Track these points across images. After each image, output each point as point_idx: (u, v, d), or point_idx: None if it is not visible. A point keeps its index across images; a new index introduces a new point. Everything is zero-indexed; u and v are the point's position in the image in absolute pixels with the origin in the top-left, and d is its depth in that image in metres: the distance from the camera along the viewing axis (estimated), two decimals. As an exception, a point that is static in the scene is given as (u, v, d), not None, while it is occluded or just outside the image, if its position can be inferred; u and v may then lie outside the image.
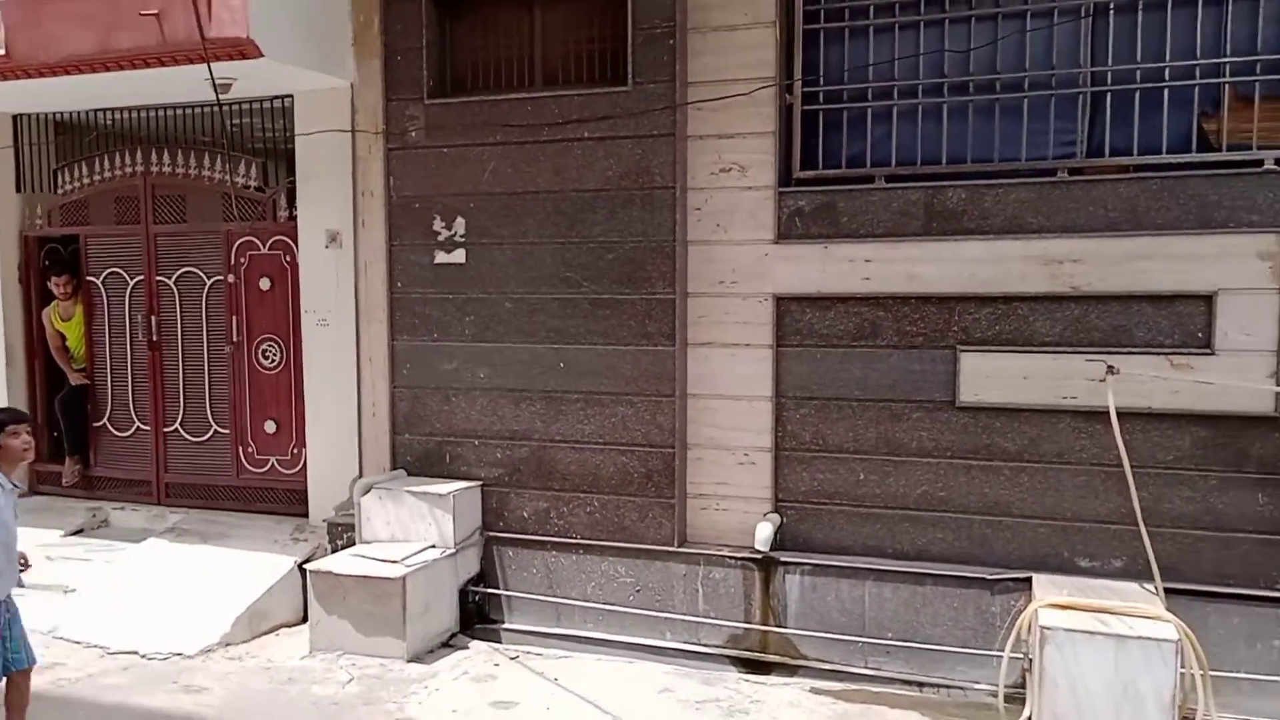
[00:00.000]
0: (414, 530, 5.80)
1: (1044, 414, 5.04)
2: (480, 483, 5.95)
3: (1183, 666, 4.22)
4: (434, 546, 5.73)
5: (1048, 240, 4.97)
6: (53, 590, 6.26)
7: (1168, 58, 4.90)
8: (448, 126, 5.88)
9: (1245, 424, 4.77)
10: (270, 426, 6.88)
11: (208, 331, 7.05)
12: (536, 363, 5.80)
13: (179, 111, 6.96)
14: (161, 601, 5.99)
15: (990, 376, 5.10)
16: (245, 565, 6.19)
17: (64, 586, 6.30)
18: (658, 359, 5.54)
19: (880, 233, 5.23)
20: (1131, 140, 4.97)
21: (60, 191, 7.44)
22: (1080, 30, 5.01)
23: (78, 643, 5.72)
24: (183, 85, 5.88)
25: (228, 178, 6.80)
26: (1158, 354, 4.84)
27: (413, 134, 5.97)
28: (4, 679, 4.05)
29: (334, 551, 6.05)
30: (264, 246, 6.79)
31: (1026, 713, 4.56)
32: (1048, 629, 4.33)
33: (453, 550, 5.73)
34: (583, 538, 5.75)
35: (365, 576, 5.44)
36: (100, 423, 7.46)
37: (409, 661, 5.39)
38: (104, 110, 7.15)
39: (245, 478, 7.00)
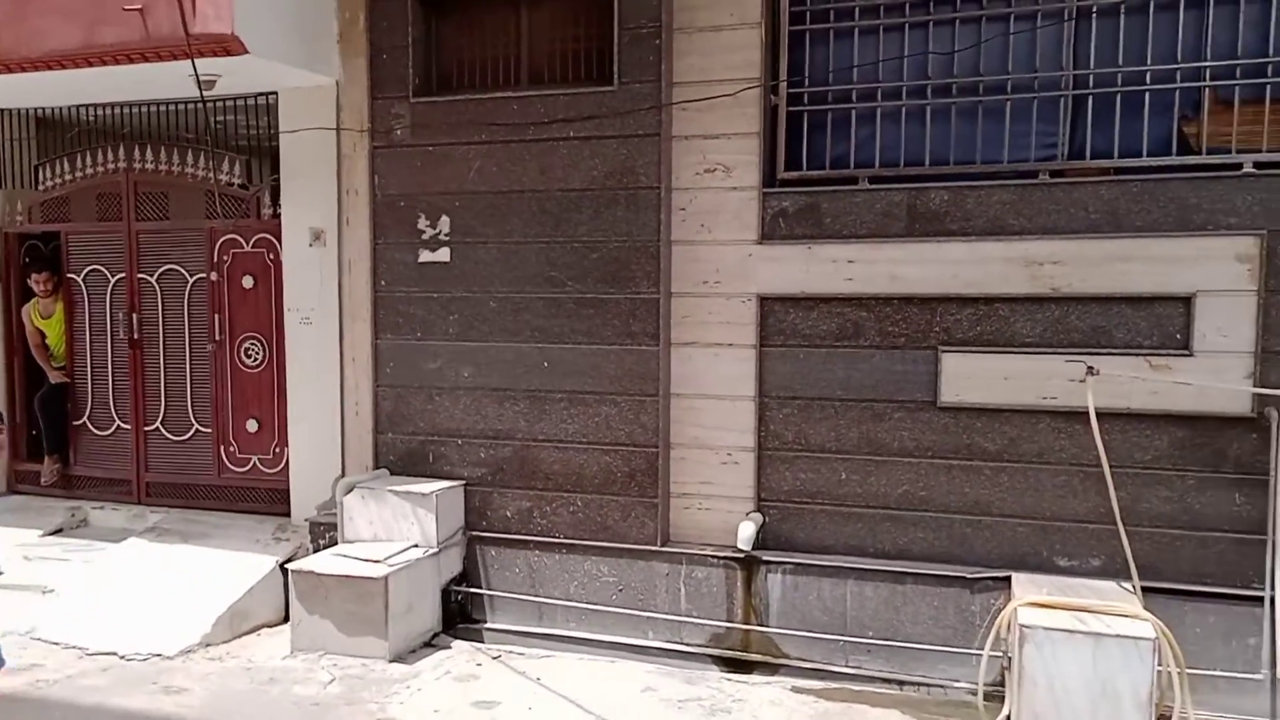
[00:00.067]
0: (396, 530, 5.79)
1: (1024, 414, 5.08)
2: (463, 482, 5.94)
3: (1160, 664, 4.26)
4: (417, 546, 5.72)
5: (1029, 242, 5.01)
6: (31, 591, 6.21)
7: (1149, 61, 4.95)
8: (433, 125, 5.88)
9: (1222, 424, 4.82)
10: (252, 425, 6.85)
11: (190, 330, 7.01)
12: (520, 362, 5.80)
13: (162, 108, 6.93)
14: (141, 602, 5.95)
15: (971, 377, 5.13)
16: (226, 565, 6.16)
17: (42, 587, 6.24)
18: (642, 358, 5.55)
19: (863, 234, 5.26)
20: (1112, 143, 5.01)
21: (41, 188, 7.39)
22: (1063, 33, 5.05)
23: (56, 643, 5.67)
24: (166, 81, 5.84)
25: (211, 175, 6.76)
26: (1137, 355, 4.88)
27: (398, 132, 5.96)
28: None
29: (316, 551, 6.03)
30: (247, 244, 6.76)
31: (1006, 710, 4.59)
32: (1027, 627, 4.36)
33: (435, 550, 5.72)
34: (566, 537, 5.75)
35: (347, 576, 5.42)
36: (80, 421, 7.40)
37: (391, 661, 5.38)
38: (87, 106, 7.12)
39: (227, 477, 6.96)
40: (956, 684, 5.08)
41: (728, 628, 5.48)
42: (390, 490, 5.79)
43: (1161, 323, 4.87)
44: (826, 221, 5.32)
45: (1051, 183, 5.02)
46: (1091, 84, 5.04)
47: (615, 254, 5.57)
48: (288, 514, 6.57)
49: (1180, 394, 4.79)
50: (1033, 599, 4.57)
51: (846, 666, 5.28)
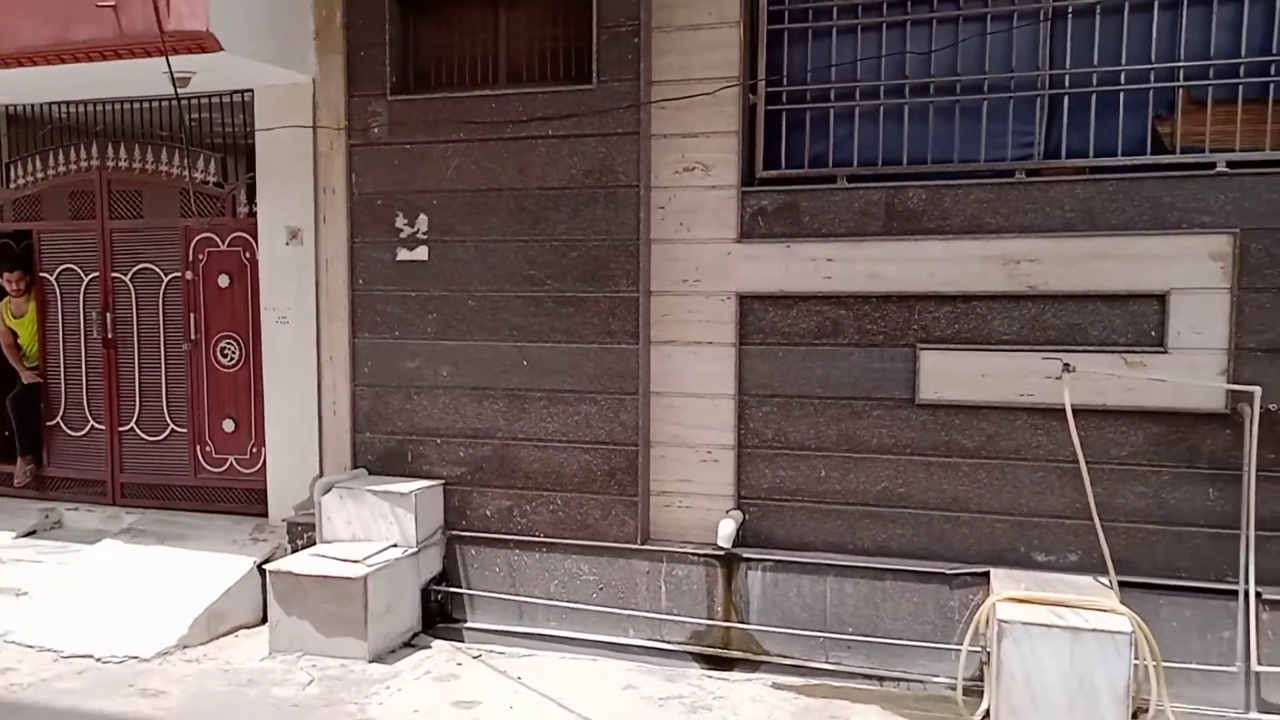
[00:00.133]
0: (375, 529, 5.76)
1: (1001, 411, 5.12)
2: (443, 481, 5.92)
3: (1136, 658, 4.31)
4: (396, 546, 5.69)
5: (1006, 240, 5.04)
6: (5, 593, 6.15)
7: (1124, 61, 5.00)
8: (411, 123, 5.85)
9: (1197, 420, 4.87)
10: (229, 425, 6.80)
11: (165, 329, 6.94)
12: (499, 361, 5.78)
13: (136, 105, 6.85)
14: (117, 604, 5.89)
15: (949, 374, 5.16)
16: (203, 566, 6.11)
17: (16, 589, 6.18)
18: (621, 357, 5.55)
19: (842, 232, 5.28)
20: (1088, 142, 5.05)
21: (13, 186, 7.29)
22: (1039, 34, 5.09)
23: (30, 646, 5.60)
24: (141, 78, 5.77)
25: (186, 173, 6.69)
26: (1112, 352, 4.92)
27: (375, 130, 5.93)
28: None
29: (294, 551, 5.99)
30: (223, 243, 6.71)
31: (984, 705, 4.63)
32: (1005, 622, 4.39)
33: (415, 549, 5.69)
34: (546, 536, 5.74)
35: (326, 576, 5.39)
36: (53, 422, 7.31)
37: (370, 662, 5.35)
38: (59, 103, 7.03)
39: (203, 477, 6.91)
40: (936, 679, 5.11)
41: (708, 625, 5.49)
42: (369, 490, 5.76)
43: (1136, 320, 4.91)
44: (805, 220, 5.34)
45: (1028, 181, 5.06)
46: (1067, 84, 5.08)
47: (594, 252, 5.56)
48: (265, 514, 6.52)
49: (1155, 391, 4.84)
50: (1011, 594, 4.60)
51: (827, 663, 5.30)
